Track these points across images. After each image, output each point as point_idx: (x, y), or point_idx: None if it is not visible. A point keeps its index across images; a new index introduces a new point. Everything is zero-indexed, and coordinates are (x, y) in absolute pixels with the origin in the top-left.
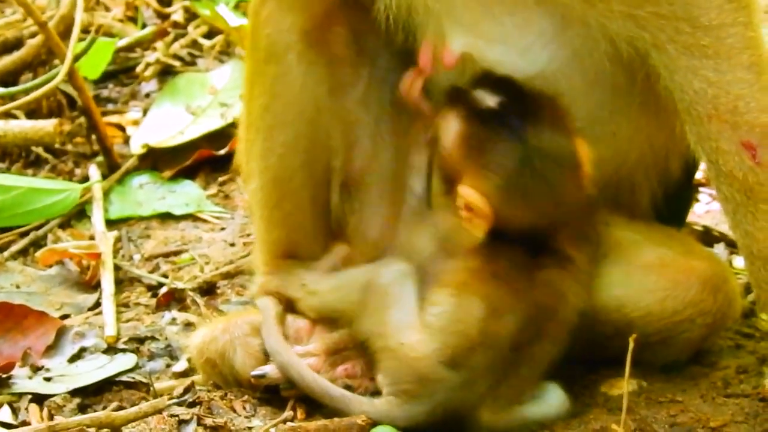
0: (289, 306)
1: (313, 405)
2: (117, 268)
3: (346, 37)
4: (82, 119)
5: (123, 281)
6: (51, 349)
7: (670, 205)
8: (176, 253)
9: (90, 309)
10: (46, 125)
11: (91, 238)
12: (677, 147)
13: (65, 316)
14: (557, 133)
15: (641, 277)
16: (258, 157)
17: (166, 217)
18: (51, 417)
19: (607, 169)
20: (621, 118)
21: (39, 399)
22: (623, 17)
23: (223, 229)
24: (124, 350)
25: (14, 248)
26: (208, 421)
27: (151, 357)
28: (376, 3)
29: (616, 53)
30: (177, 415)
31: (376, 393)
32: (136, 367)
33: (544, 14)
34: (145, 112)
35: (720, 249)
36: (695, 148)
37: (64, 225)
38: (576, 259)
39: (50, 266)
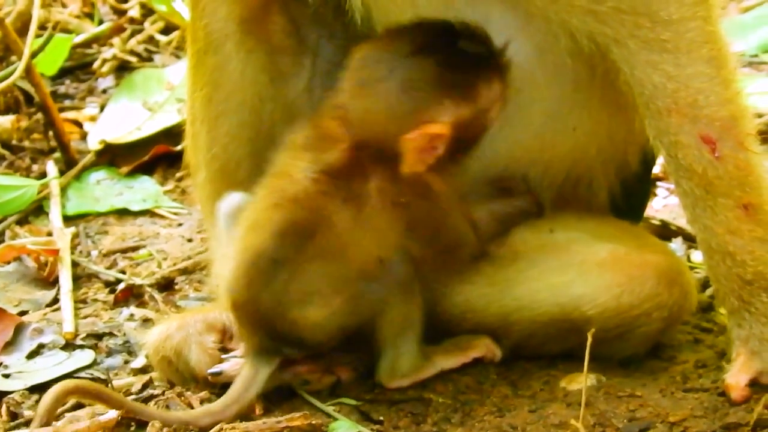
0: None
1: (271, 401)
2: (75, 264)
3: (285, 27)
4: (39, 115)
5: (81, 277)
6: (9, 346)
7: (628, 199)
8: (134, 249)
9: (48, 305)
10: (4, 121)
11: (49, 234)
12: (636, 140)
13: (23, 313)
14: (433, 84)
15: (597, 275)
16: (203, 148)
17: (123, 213)
18: (10, 413)
19: (566, 164)
20: (581, 112)
21: None
22: (584, 12)
23: (180, 224)
24: (82, 346)
25: None
26: None
27: (110, 353)
28: None
29: (577, 48)
30: None
31: (335, 388)
32: (94, 364)
33: (506, 9)
34: (102, 108)
35: (678, 243)
36: (654, 142)
37: (22, 221)
38: (366, 197)
39: (8, 262)
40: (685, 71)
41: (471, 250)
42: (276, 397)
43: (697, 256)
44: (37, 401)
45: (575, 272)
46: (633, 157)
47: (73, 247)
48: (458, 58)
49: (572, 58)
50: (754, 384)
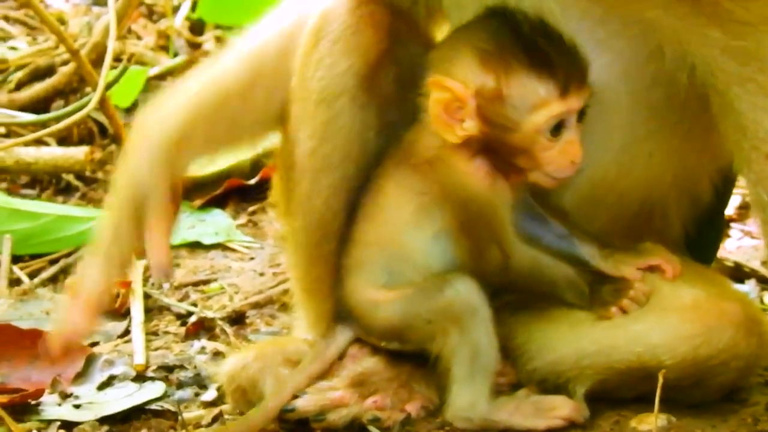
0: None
1: None
2: (146, 296)
3: (397, 76)
4: (112, 147)
5: (152, 309)
6: (80, 377)
7: (701, 237)
8: (205, 282)
9: (119, 337)
10: (77, 153)
11: None
12: (706, 169)
13: (94, 344)
14: (479, 43)
15: (676, 324)
16: (303, 198)
17: (195, 246)
18: None
19: (642, 192)
20: (657, 138)
21: (68, 426)
22: (718, 47)
23: (252, 258)
24: (152, 378)
25: (44, 275)
26: None
27: (180, 386)
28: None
29: (670, 77)
30: None
31: (406, 424)
32: (164, 396)
33: (596, 25)
34: None
35: (751, 285)
36: (753, 188)
37: None
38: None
39: None
40: None
41: (492, 268)
42: None
43: None
44: None
45: (655, 319)
46: (705, 188)
47: (145, 280)
48: (529, 40)
49: (660, 85)
50: None
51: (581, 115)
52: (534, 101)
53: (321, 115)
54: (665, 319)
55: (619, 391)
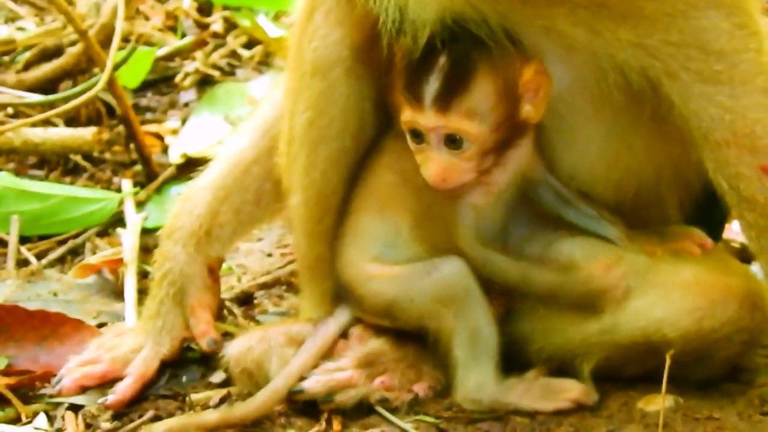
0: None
1: (349, 416)
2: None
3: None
4: (120, 128)
5: None
6: None
7: (704, 221)
8: None
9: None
10: (85, 133)
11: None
12: (691, 156)
13: (102, 325)
14: None
15: (679, 298)
16: (301, 172)
17: None
18: (87, 426)
19: (633, 181)
20: (632, 133)
21: (75, 407)
22: (632, 46)
23: (260, 239)
24: (160, 360)
25: (52, 256)
26: None
27: (188, 367)
28: None
29: (624, 80)
30: None
31: (414, 405)
32: (172, 377)
33: (549, 41)
34: (183, 121)
35: (758, 266)
36: (714, 175)
37: (102, 233)
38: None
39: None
40: (741, 102)
41: (462, 249)
42: (354, 414)
43: None
44: (113, 414)
45: (657, 294)
46: (695, 172)
47: (153, 261)
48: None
49: (618, 89)
50: None
51: (452, 141)
52: (400, 101)
53: (317, 85)
54: (668, 294)
55: (625, 368)
